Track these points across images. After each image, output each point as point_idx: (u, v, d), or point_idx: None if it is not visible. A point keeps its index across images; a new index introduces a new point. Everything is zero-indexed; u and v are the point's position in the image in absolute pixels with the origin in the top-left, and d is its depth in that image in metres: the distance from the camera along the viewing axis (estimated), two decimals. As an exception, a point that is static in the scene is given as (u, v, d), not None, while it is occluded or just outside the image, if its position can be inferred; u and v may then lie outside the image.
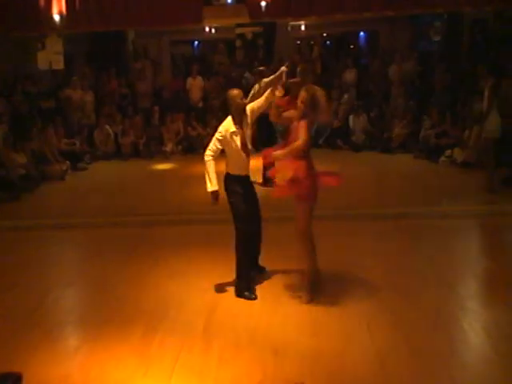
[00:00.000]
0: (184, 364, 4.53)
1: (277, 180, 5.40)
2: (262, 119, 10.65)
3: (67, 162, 11.77)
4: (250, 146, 5.64)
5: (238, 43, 16.68)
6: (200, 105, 14.24)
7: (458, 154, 10.77)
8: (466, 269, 6.35)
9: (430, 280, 5.91)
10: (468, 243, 7.22)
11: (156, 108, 13.77)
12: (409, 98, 12.98)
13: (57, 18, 11.63)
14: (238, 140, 5.55)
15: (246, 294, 5.63)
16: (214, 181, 5.51)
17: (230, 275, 6.17)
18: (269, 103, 5.70)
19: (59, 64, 12.91)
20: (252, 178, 5.97)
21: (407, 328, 4.94)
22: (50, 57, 12.73)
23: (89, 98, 13.75)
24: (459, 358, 4.51)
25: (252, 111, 5.66)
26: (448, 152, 11.03)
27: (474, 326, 4.94)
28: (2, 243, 7.94)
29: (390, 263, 6.44)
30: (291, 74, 10.40)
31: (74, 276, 6.84)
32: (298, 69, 7.94)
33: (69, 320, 5.63)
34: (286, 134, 5.75)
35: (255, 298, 5.60)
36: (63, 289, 6.31)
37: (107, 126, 13.31)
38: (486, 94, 8.66)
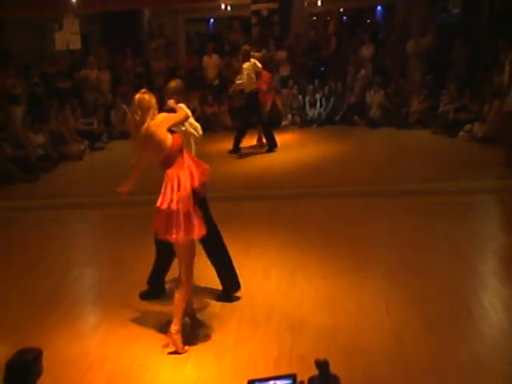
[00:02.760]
0: (201, 342, 4.58)
1: None
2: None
3: (85, 141, 11.84)
4: None
5: (254, 20, 16.51)
6: (216, 83, 14.18)
7: (478, 129, 10.60)
8: (483, 245, 6.30)
9: (447, 256, 5.88)
10: (486, 219, 7.14)
11: (172, 87, 13.72)
12: (426, 73, 12.78)
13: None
14: None
15: None
16: None
17: (246, 253, 6.21)
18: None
19: (76, 44, 12.94)
20: None
21: (424, 304, 4.92)
22: (68, 37, 12.75)
23: (105, 77, 13.75)
24: (477, 334, 4.49)
25: None
26: (467, 127, 10.86)
27: (492, 302, 4.91)
28: (22, 223, 8.06)
29: (407, 239, 6.40)
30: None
31: (93, 255, 6.93)
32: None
33: (88, 298, 5.72)
34: None
35: None
36: (83, 268, 6.40)
37: (124, 106, 13.30)
38: (507, 67, 8.49)
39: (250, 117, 10.85)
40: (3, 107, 11.24)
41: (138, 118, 4.31)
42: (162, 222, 4.39)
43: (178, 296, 4.46)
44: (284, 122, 12.85)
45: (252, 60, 10.43)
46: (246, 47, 10.85)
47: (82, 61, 13.89)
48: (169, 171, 4.44)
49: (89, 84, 13.46)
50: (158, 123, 4.35)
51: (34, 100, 12.18)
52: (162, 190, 4.42)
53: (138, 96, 4.36)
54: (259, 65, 10.50)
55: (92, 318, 5.30)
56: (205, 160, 4.83)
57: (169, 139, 4.37)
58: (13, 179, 9.65)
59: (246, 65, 10.36)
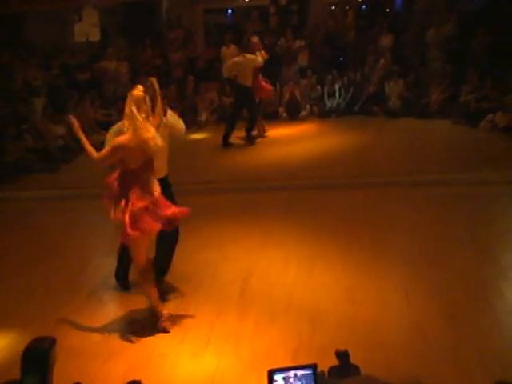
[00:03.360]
0: (220, 332, 4.59)
1: None
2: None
3: (104, 132, 11.88)
4: None
5: (272, 9, 16.41)
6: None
7: (500, 119, 10.42)
8: (506, 236, 6.21)
9: (468, 248, 5.80)
10: (508, 210, 7.03)
11: (190, 77, 13.72)
12: (446, 62, 12.59)
13: (92, -11, 11.69)
14: None
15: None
16: None
17: (265, 244, 6.19)
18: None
19: (96, 36, 12.98)
20: None
21: (445, 296, 4.88)
22: (87, 29, 12.80)
23: (124, 68, 13.77)
24: (499, 327, 4.43)
25: None
26: (489, 116, 10.67)
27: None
28: (42, 212, 8.13)
29: (428, 230, 6.34)
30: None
31: (112, 245, 6.92)
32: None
33: (107, 288, 5.73)
34: None
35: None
36: (102, 257, 6.42)
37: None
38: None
39: (239, 110, 10.84)
40: (24, 99, 11.36)
41: (144, 116, 4.40)
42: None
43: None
44: (302, 113, 12.77)
45: (248, 56, 10.38)
46: (254, 39, 10.79)
47: (101, 52, 13.95)
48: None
49: (108, 75, 13.51)
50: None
51: (55, 91, 12.27)
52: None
53: (141, 93, 4.43)
54: (252, 61, 10.39)
55: (111, 308, 5.33)
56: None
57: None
58: (33, 170, 9.74)
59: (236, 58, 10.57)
